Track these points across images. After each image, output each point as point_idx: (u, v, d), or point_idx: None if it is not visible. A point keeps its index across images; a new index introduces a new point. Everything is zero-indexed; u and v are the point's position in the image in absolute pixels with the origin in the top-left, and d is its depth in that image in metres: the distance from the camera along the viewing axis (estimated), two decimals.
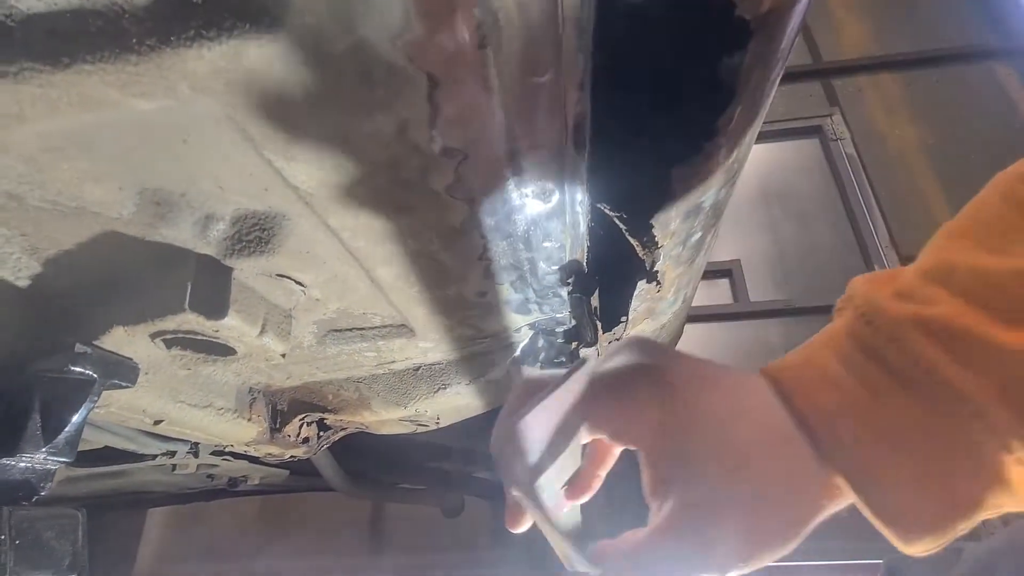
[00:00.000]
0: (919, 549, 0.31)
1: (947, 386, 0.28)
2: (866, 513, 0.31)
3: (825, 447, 0.31)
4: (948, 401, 0.28)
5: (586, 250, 0.59)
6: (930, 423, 0.29)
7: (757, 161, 2.89)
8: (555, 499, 0.37)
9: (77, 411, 0.51)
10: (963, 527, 0.30)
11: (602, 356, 0.38)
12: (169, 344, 0.54)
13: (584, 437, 0.38)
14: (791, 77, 3.08)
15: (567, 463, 0.38)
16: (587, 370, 0.37)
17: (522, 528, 0.39)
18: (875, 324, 0.31)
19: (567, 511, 0.39)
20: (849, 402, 0.31)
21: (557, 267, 0.60)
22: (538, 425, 0.36)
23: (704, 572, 0.32)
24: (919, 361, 0.29)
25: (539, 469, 0.36)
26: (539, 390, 0.37)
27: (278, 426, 0.85)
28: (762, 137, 2.87)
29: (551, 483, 0.37)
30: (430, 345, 0.74)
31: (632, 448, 0.37)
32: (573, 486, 0.39)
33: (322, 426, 0.92)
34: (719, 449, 0.33)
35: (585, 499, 0.40)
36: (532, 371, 0.39)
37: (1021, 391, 0.26)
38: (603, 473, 0.41)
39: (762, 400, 0.33)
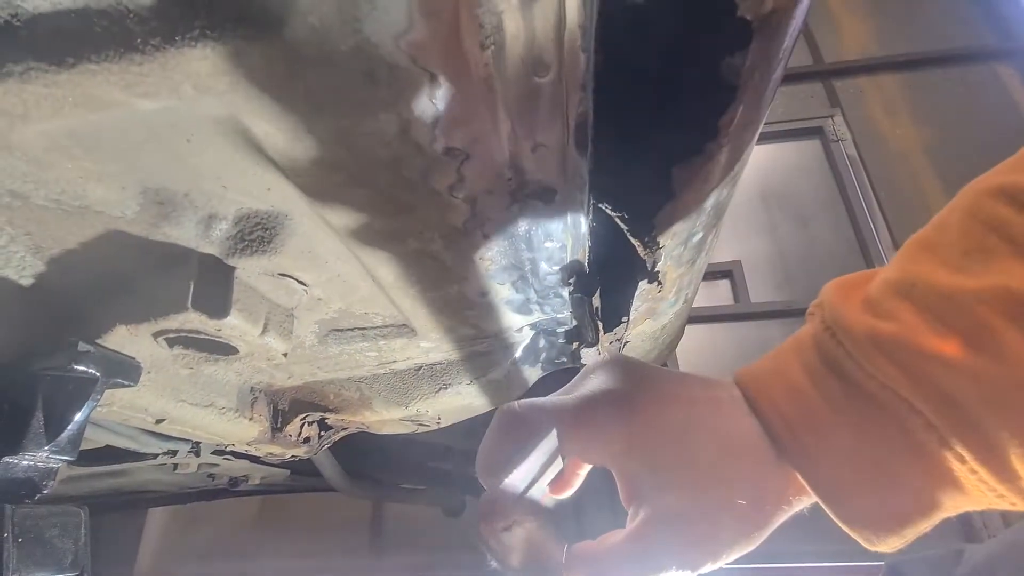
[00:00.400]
0: (884, 548, 0.33)
1: (899, 399, 0.30)
2: (832, 517, 0.33)
3: (788, 453, 0.34)
4: (901, 413, 0.30)
5: (587, 250, 0.59)
6: (885, 433, 0.31)
7: (758, 162, 2.89)
8: (540, 494, 0.39)
9: (80, 410, 0.51)
10: (924, 526, 0.32)
11: (571, 383, 0.40)
12: (171, 343, 0.54)
13: (558, 459, 0.40)
14: (792, 78, 3.08)
15: (549, 471, 0.40)
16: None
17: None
18: (837, 337, 0.33)
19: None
20: (810, 412, 0.33)
21: (558, 267, 0.60)
22: (520, 477, 0.38)
23: (673, 571, 0.35)
24: (874, 375, 0.31)
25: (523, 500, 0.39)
26: (535, 418, 0.38)
27: (279, 426, 0.85)
28: (763, 138, 2.87)
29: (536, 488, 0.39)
30: (431, 345, 0.74)
31: (594, 464, 0.40)
32: (556, 483, 0.41)
33: (323, 426, 0.92)
34: (685, 461, 0.35)
35: (568, 494, 0.43)
36: (514, 405, 0.40)
37: (969, 405, 0.28)
38: (583, 472, 0.43)
39: (724, 411, 0.36)
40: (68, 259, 0.48)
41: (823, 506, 0.34)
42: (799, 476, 0.34)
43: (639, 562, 0.35)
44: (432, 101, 0.36)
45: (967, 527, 2.04)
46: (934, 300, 0.30)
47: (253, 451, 0.90)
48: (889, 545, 0.33)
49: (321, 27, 0.32)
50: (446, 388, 0.82)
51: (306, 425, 0.89)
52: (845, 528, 0.33)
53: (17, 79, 0.32)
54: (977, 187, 0.33)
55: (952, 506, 0.31)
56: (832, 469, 0.33)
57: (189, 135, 0.38)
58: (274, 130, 0.38)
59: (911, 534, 0.32)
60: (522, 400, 0.39)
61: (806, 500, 0.35)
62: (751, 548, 0.35)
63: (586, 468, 0.43)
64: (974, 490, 0.29)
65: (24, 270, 0.48)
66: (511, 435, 0.37)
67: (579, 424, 0.37)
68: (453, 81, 0.35)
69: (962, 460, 0.29)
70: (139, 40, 0.31)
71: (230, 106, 0.36)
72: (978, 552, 0.69)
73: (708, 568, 0.35)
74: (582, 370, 0.40)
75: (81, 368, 0.51)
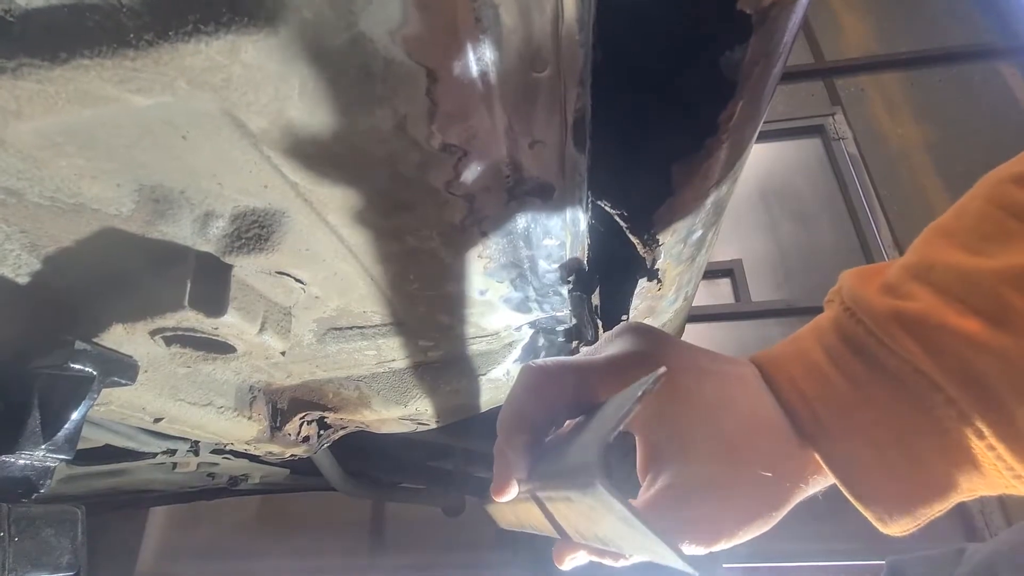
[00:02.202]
0: (897, 530, 0.33)
1: (921, 375, 0.30)
2: (848, 496, 0.33)
3: (807, 432, 0.34)
4: (922, 390, 0.30)
5: (586, 248, 0.59)
6: (905, 411, 0.31)
7: (759, 161, 2.88)
8: None
9: (76, 408, 0.51)
10: (939, 508, 0.31)
11: (600, 341, 0.39)
12: (169, 341, 0.53)
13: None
14: (793, 76, 3.08)
15: None
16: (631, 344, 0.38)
17: (510, 496, 0.38)
18: (858, 317, 0.33)
19: None
20: (830, 390, 0.33)
21: (557, 265, 0.60)
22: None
23: (686, 546, 0.34)
24: (895, 352, 0.31)
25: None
26: (561, 375, 0.37)
27: (278, 424, 0.84)
28: (764, 137, 2.87)
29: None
30: (430, 343, 0.74)
31: (629, 431, 0.39)
32: None
33: (322, 425, 0.92)
34: (709, 434, 0.35)
35: None
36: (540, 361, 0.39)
37: (990, 381, 0.28)
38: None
39: (751, 388, 0.36)
40: (64, 257, 0.48)
41: (839, 484, 0.33)
42: (816, 455, 0.34)
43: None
44: (428, 96, 0.36)
45: (968, 526, 2.04)
46: (954, 281, 0.30)
47: (252, 450, 0.90)
48: (901, 527, 0.32)
49: (316, 22, 0.31)
50: (445, 387, 0.82)
51: (305, 424, 0.89)
52: (859, 507, 0.33)
53: (10, 75, 0.32)
54: (997, 175, 0.33)
55: (968, 488, 0.31)
56: (849, 447, 0.33)
57: (184, 132, 0.38)
58: (270, 126, 0.38)
59: (924, 516, 0.32)
60: (548, 358, 0.38)
61: (822, 481, 0.35)
62: (765, 528, 0.35)
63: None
64: (991, 470, 0.29)
65: (20, 268, 0.48)
66: (537, 392, 0.37)
67: (608, 381, 0.36)
68: (449, 76, 0.35)
69: (981, 436, 0.28)
70: (132, 35, 0.31)
71: (225, 102, 0.35)
72: (979, 551, 0.68)
73: (721, 546, 0.34)
74: (605, 335, 0.40)
75: (78, 366, 0.50)
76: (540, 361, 0.38)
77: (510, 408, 0.38)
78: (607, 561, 0.37)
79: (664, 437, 0.36)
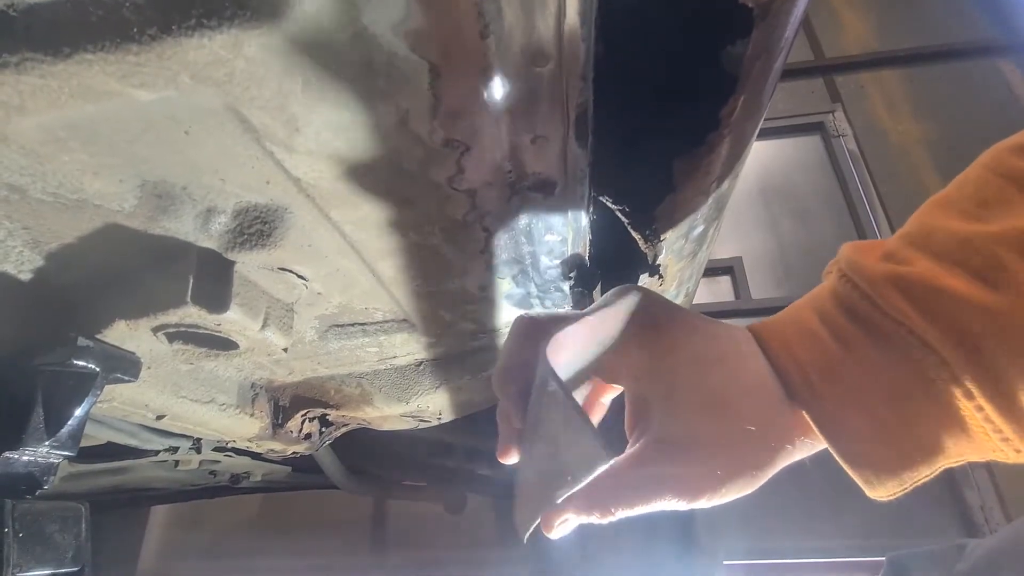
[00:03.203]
0: (884, 493, 0.33)
1: (914, 336, 0.30)
2: (835, 456, 0.33)
3: (797, 394, 0.34)
4: (914, 350, 0.30)
5: (588, 244, 0.59)
6: (896, 372, 0.31)
7: (759, 158, 2.88)
8: None
9: (79, 405, 0.51)
10: (925, 471, 0.32)
11: (596, 301, 0.40)
12: (171, 338, 0.54)
13: (580, 387, 0.40)
14: (793, 73, 3.07)
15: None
16: (630, 301, 0.38)
17: (514, 458, 0.39)
18: (854, 282, 0.33)
19: None
20: (822, 353, 0.33)
21: (559, 261, 0.60)
22: (568, 346, 0.37)
23: (669, 499, 0.34)
24: (889, 314, 0.30)
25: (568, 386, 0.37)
26: (551, 324, 0.37)
27: (280, 422, 0.85)
28: (764, 134, 2.87)
29: None
30: (432, 340, 0.74)
31: (621, 387, 0.40)
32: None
33: (324, 422, 0.92)
34: (698, 390, 0.35)
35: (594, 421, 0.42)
36: (532, 312, 0.39)
37: (982, 341, 0.28)
38: (606, 400, 0.43)
39: (743, 349, 0.36)
40: (67, 253, 0.48)
41: (828, 445, 0.33)
42: (806, 415, 0.34)
43: (635, 488, 0.35)
44: (431, 91, 0.36)
45: (968, 522, 2.04)
46: (952, 245, 0.30)
47: (254, 447, 0.90)
48: (888, 490, 0.32)
49: (319, 16, 0.31)
50: (447, 384, 0.82)
51: (307, 421, 0.89)
52: (847, 468, 0.33)
53: (13, 70, 0.32)
54: (998, 147, 0.33)
55: (956, 451, 0.31)
56: (839, 409, 0.33)
57: (187, 127, 0.38)
58: (272, 122, 0.38)
59: (910, 480, 0.32)
60: (540, 311, 0.38)
61: (810, 445, 0.35)
62: (749, 489, 0.35)
63: (609, 396, 0.43)
64: (979, 433, 0.29)
65: (23, 264, 0.48)
66: (529, 340, 0.37)
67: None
68: (452, 71, 0.35)
69: (970, 396, 0.28)
70: (135, 29, 0.31)
71: (228, 97, 0.35)
72: (980, 546, 0.69)
73: (704, 502, 0.35)
74: (604, 295, 0.40)
75: (81, 363, 0.51)
76: (532, 312, 0.38)
77: (502, 359, 0.38)
78: (594, 518, 0.36)
79: (651, 391, 0.36)
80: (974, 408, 0.29)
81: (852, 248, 0.36)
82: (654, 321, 0.38)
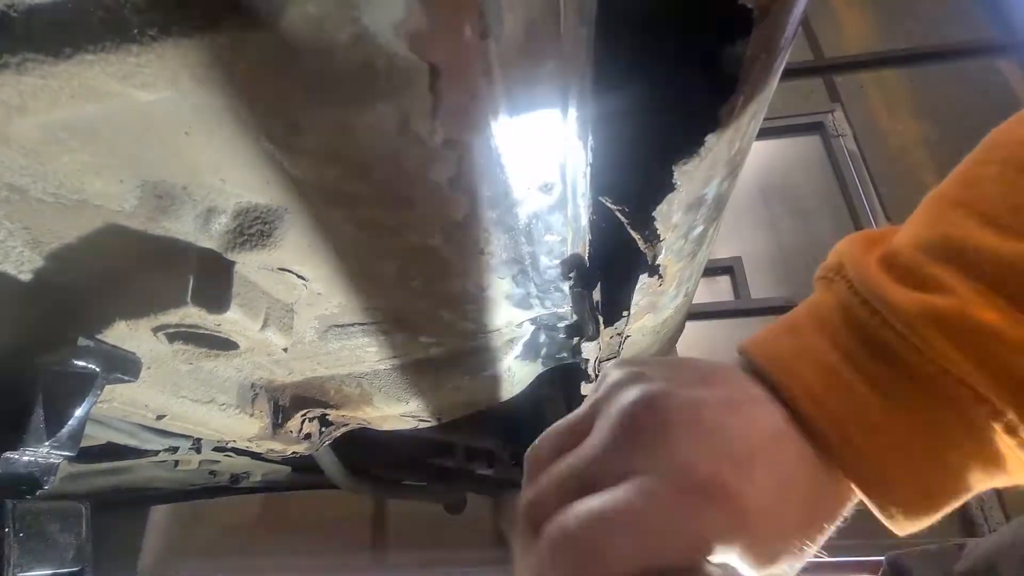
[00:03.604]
0: (909, 529, 0.30)
1: (964, 387, 0.26)
2: (868, 504, 0.30)
3: (838, 454, 0.29)
4: (962, 402, 0.27)
5: (588, 244, 0.59)
6: (938, 419, 0.27)
7: (758, 158, 2.88)
8: None
9: (80, 405, 0.51)
10: (955, 505, 0.29)
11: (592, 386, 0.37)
12: (171, 338, 0.54)
13: None
14: (792, 73, 3.07)
15: None
16: None
17: None
18: (882, 316, 0.28)
19: None
20: (861, 407, 0.29)
21: (559, 261, 0.60)
22: None
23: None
24: (935, 360, 0.27)
25: None
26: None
27: (280, 422, 0.85)
28: (763, 133, 2.87)
29: None
30: (432, 340, 0.74)
31: None
32: None
33: (324, 422, 0.92)
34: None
35: None
36: None
37: None
38: None
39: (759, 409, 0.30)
40: (67, 253, 0.48)
41: (866, 500, 0.30)
42: (847, 478, 0.29)
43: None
44: (431, 92, 0.36)
45: (967, 521, 2.04)
46: (989, 268, 0.27)
47: (254, 447, 0.90)
48: (915, 527, 0.29)
49: (319, 16, 0.31)
50: (447, 384, 0.82)
51: (307, 421, 0.89)
52: (877, 513, 0.29)
53: (14, 70, 0.32)
54: (1008, 138, 0.30)
55: (982, 485, 0.28)
56: (878, 463, 0.29)
57: (187, 127, 0.38)
58: (272, 122, 0.38)
59: (938, 517, 0.29)
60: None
61: (849, 506, 0.31)
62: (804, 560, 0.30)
63: None
64: (1016, 464, 0.27)
65: (23, 265, 0.48)
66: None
67: None
68: (453, 71, 0.35)
69: (1013, 431, 0.26)
70: (136, 30, 0.31)
71: (228, 97, 0.35)
72: (979, 546, 0.69)
73: None
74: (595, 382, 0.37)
75: (81, 363, 0.51)
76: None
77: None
78: None
79: None
80: (1016, 444, 0.26)
81: (856, 250, 0.32)
82: None
